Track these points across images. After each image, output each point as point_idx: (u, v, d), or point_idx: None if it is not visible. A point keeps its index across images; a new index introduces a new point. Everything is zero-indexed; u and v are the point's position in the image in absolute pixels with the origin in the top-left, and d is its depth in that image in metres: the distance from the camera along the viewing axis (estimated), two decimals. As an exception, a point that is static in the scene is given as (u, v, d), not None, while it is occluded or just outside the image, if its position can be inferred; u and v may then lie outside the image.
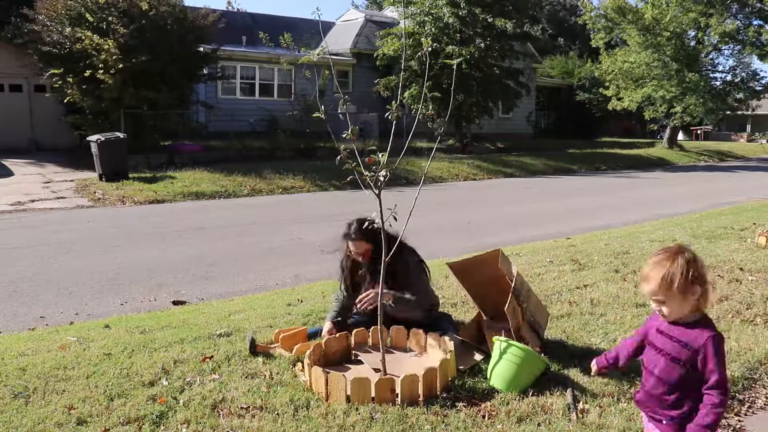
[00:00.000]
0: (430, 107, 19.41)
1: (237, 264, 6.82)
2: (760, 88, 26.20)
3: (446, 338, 3.63)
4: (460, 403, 3.10)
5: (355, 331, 3.81)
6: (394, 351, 3.77)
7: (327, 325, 3.93)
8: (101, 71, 13.59)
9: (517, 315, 3.64)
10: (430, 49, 3.42)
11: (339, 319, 3.98)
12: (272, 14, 32.11)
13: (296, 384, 3.30)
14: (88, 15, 14.13)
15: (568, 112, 32.22)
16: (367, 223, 3.64)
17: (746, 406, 3.27)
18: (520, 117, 29.00)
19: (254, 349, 3.73)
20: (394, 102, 3.18)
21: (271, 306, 4.88)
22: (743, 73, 26.02)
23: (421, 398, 3.12)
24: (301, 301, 4.97)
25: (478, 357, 3.68)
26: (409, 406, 3.04)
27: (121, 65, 13.63)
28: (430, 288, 4.09)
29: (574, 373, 3.43)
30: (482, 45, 19.69)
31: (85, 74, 13.70)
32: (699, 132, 40.02)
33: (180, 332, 4.12)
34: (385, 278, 3.48)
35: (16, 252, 7.25)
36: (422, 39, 19.09)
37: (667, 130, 29.45)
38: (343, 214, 10.38)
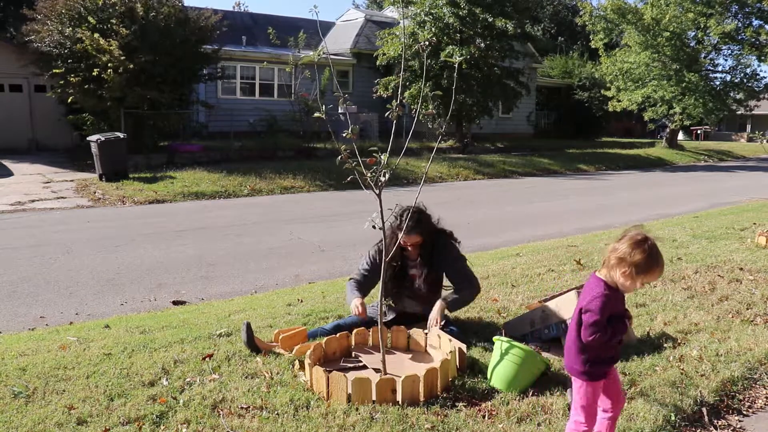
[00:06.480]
0: (430, 107, 19.40)
1: (237, 264, 6.82)
2: (760, 89, 26.16)
3: (447, 338, 3.63)
4: (461, 403, 3.11)
5: (355, 331, 3.81)
6: (394, 351, 3.77)
7: (356, 302, 3.90)
8: (109, 71, 13.56)
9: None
10: (428, 43, 3.42)
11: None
12: (272, 14, 32.12)
13: (296, 384, 3.29)
14: (90, 18, 14.12)
15: (568, 112, 32.20)
16: (404, 214, 3.88)
17: (746, 406, 3.27)
18: (521, 117, 28.98)
19: (252, 341, 3.68)
20: (394, 101, 3.17)
21: (271, 306, 4.88)
22: (742, 74, 26.00)
23: (422, 398, 3.12)
24: (301, 301, 4.97)
25: None
26: (409, 406, 3.04)
27: (128, 65, 13.61)
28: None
29: (574, 373, 3.43)
30: (482, 45, 19.68)
31: (93, 73, 13.65)
32: (699, 132, 39.99)
33: (180, 332, 4.12)
34: (427, 268, 3.96)
35: (16, 252, 7.25)
36: (420, 34, 19.05)
37: (667, 130, 29.43)
38: (344, 214, 10.49)
